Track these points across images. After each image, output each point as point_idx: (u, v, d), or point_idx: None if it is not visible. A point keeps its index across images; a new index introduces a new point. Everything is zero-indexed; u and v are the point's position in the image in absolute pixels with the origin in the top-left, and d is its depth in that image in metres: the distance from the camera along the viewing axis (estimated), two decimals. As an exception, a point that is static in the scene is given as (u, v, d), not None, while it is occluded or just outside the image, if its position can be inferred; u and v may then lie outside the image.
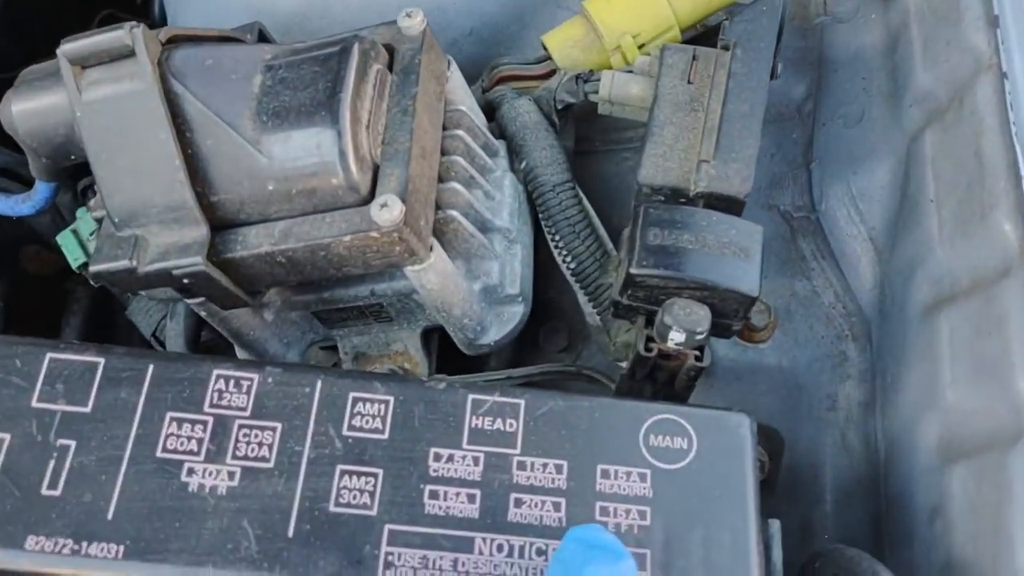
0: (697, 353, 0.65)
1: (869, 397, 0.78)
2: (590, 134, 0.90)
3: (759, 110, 0.68)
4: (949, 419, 0.65)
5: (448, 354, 0.80)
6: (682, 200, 0.68)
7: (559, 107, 0.78)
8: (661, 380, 0.70)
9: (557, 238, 0.76)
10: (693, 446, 0.57)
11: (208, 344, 0.90)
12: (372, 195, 0.62)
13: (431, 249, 0.65)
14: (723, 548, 0.54)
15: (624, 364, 0.72)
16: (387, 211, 0.60)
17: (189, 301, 0.69)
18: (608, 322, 0.78)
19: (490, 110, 0.81)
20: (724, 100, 0.68)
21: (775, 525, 0.63)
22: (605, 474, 0.56)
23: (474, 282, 0.72)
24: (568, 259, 0.76)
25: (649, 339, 0.66)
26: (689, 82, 0.71)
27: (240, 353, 0.76)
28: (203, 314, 0.71)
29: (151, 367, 0.57)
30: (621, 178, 0.88)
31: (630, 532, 0.54)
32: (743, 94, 0.68)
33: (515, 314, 0.75)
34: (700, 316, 0.63)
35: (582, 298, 0.79)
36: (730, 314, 0.65)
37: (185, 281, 0.64)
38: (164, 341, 0.88)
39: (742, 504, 0.55)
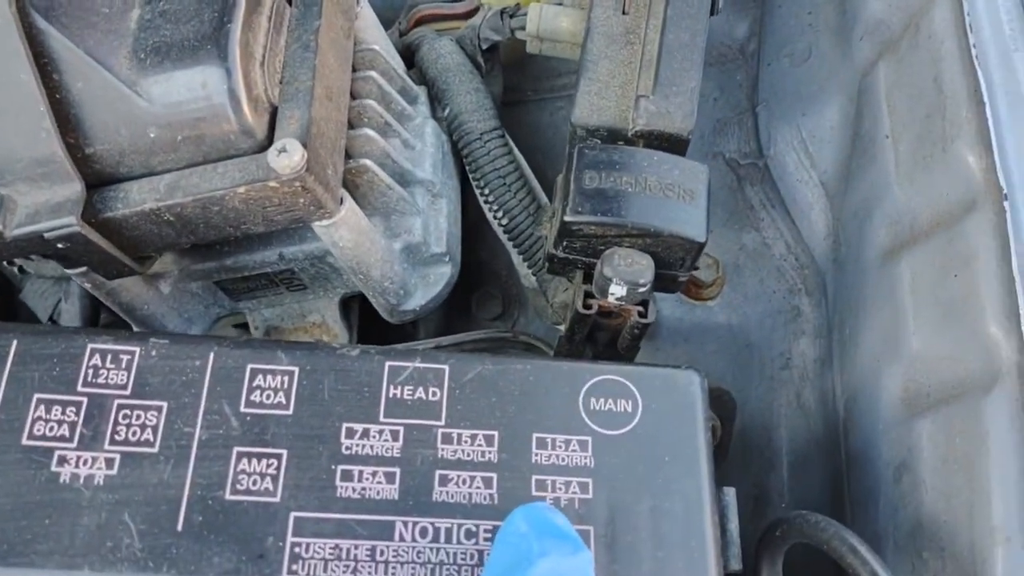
0: (640, 309, 0.59)
1: (825, 353, 0.73)
2: (521, 82, 0.84)
3: (700, 40, 0.62)
4: (914, 369, 0.60)
5: (371, 325, 0.73)
6: (620, 141, 0.62)
7: (484, 47, 0.72)
8: (602, 341, 0.64)
9: (486, 191, 0.70)
10: (638, 408, 0.51)
11: (107, 327, 0.82)
12: (270, 141, 0.54)
13: (341, 202, 0.57)
14: (674, 519, 0.48)
15: (563, 327, 0.66)
16: (286, 157, 0.52)
17: (70, 272, 0.61)
18: (545, 282, 0.72)
19: (409, 54, 0.74)
20: (662, 30, 0.62)
21: (730, 493, 0.58)
22: (541, 444, 0.50)
23: (394, 240, 0.65)
24: (499, 214, 0.70)
25: (588, 295, 0.60)
26: (624, 12, 0.64)
27: (136, 329, 0.69)
28: (88, 287, 0.63)
29: (14, 343, 0.49)
30: (555, 129, 0.82)
31: (571, 507, 0.48)
32: (683, 23, 0.62)
33: (442, 275, 0.68)
34: (642, 266, 0.57)
35: (516, 258, 0.73)
36: (675, 263, 0.59)
37: (60, 246, 0.55)
38: (61, 324, 0.80)
39: (694, 470, 0.50)
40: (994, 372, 0.54)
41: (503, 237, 0.71)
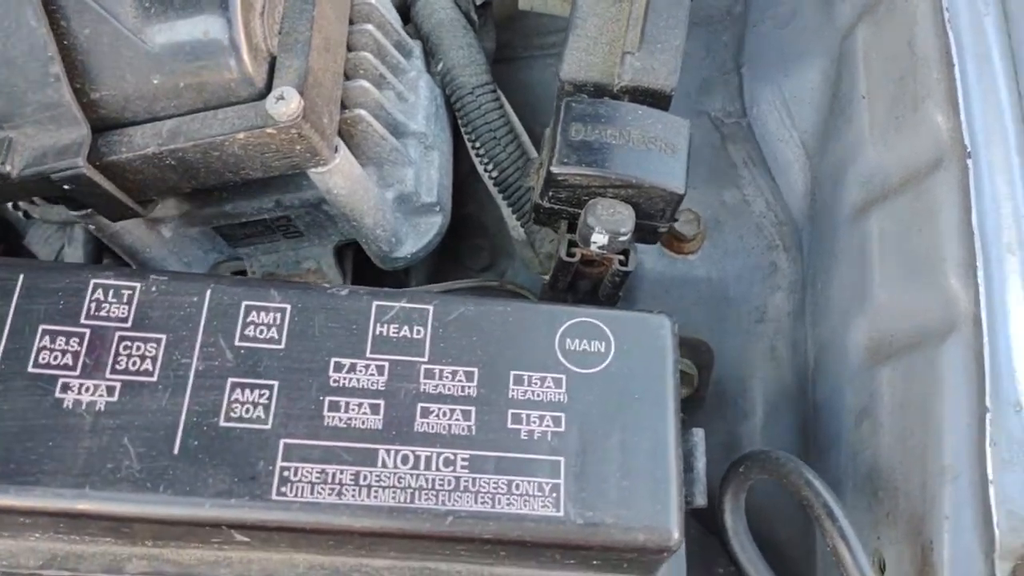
0: (621, 257, 0.62)
1: (799, 307, 0.76)
2: (512, 39, 0.86)
3: (685, -1, 0.64)
4: (879, 319, 0.63)
5: (365, 272, 0.76)
6: (607, 96, 0.64)
7: (478, 3, 0.74)
8: (584, 289, 0.67)
9: (477, 144, 0.72)
10: (611, 349, 0.54)
11: (111, 268, 0.84)
12: (268, 89, 0.57)
13: (336, 150, 0.60)
14: (641, 452, 0.51)
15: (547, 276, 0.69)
16: (284, 104, 0.55)
17: (75, 214, 0.63)
18: (532, 233, 0.75)
19: (406, 9, 0.76)
20: (648, -12, 0.64)
21: (699, 434, 0.61)
22: (518, 380, 0.53)
23: (387, 190, 0.68)
24: (489, 166, 0.72)
25: (571, 243, 0.62)
26: (613, -29, 0.66)
27: (139, 272, 0.71)
28: (92, 229, 0.66)
29: (21, 277, 0.52)
30: (545, 86, 0.84)
31: (543, 439, 0.51)
32: (668, -18, 0.64)
33: (432, 224, 0.71)
34: (624, 216, 0.60)
35: (506, 211, 0.76)
36: (656, 214, 0.62)
37: (66, 188, 0.58)
38: (65, 267, 0.83)
39: (662, 407, 0.53)
40: (951, 321, 0.57)
41: (493, 190, 0.74)
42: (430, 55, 0.73)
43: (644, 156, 0.59)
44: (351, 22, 0.66)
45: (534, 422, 0.52)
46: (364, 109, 0.63)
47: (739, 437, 0.79)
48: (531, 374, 0.53)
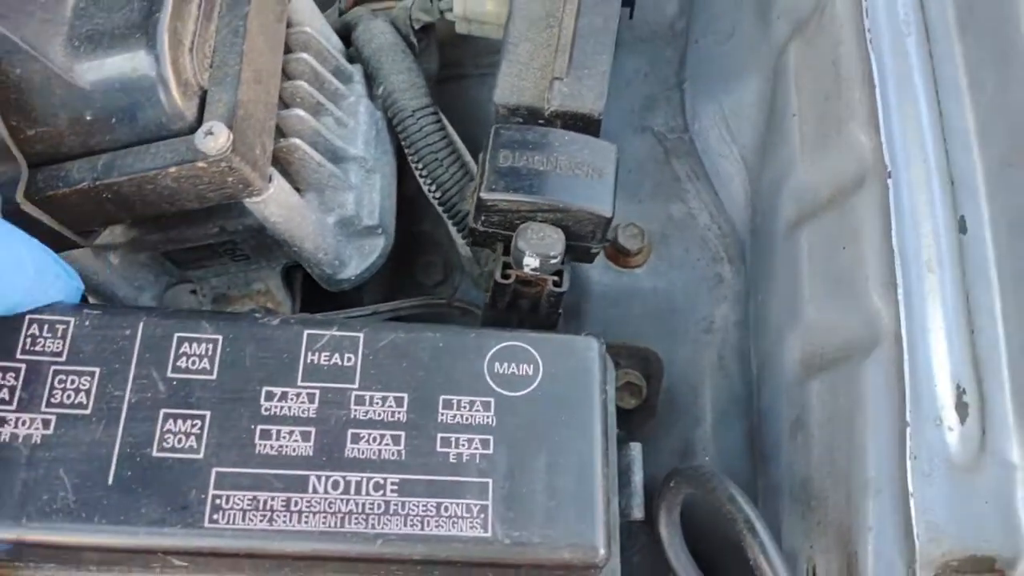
0: (555, 279, 0.63)
1: (744, 317, 0.78)
2: (461, 58, 0.87)
3: (612, 23, 0.65)
4: (810, 334, 0.64)
5: (315, 292, 0.77)
6: (540, 121, 0.65)
7: (416, 27, 0.75)
8: (525, 308, 0.68)
9: (420, 166, 0.73)
10: (539, 372, 0.55)
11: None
12: (199, 123, 0.58)
13: (271, 179, 0.61)
14: (568, 472, 0.53)
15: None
16: (212, 139, 0.56)
17: (20, 245, 0.65)
18: (477, 252, 0.76)
19: (348, 33, 0.77)
20: (577, 14, 0.65)
21: (636, 448, 0.63)
22: (447, 404, 0.54)
23: (328, 214, 0.69)
24: (432, 187, 0.73)
25: (506, 265, 0.64)
26: (544, -4, 0.67)
27: (92, 301, 0.72)
28: (38, 258, 0.66)
29: (-43, 314, 0.53)
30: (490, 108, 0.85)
31: (472, 461, 0.52)
32: (596, 7, 0.65)
33: (376, 246, 0.72)
34: (553, 240, 0.61)
35: (452, 229, 0.77)
36: (586, 236, 0.63)
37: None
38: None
39: (588, 428, 0.54)
40: (874, 338, 0.58)
41: (438, 208, 0.75)
42: (371, 79, 0.74)
43: (571, 181, 0.60)
44: (288, 50, 0.67)
45: (463, 445, 0.53)
46: (300, 137, 0.64)
47: (692, 444, 0.80)
48: (460, 398, 0.54)
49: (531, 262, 0.61)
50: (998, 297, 0.57)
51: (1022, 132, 0.58)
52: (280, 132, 0.65)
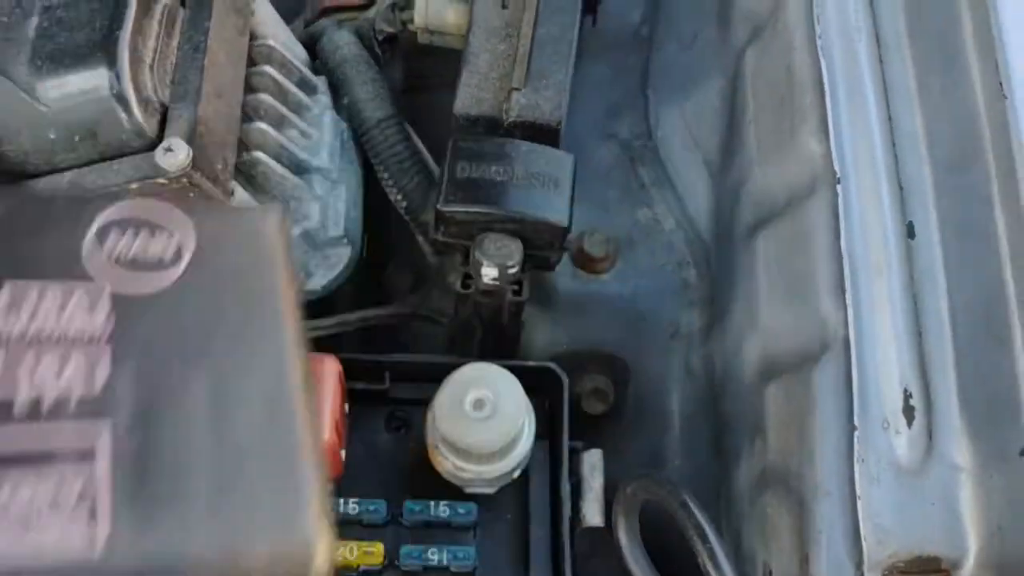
0: (515, 288, 0.65)
1: (709, 322, 0.78)
2: (430, 68, 0.87)
3: (571, 33, 0.66)
4: (766, 339, 0.65)
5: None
6: (499, 131, 0.66)
7: (380, 38, 0.76)
8: (487, 317, 0.69)
9: (386, 176, 0.74)
10: (185, 254, 0.36)
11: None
12: (160, 139, 0.59)
13: (232, 193, 0.62)
14: (246, 402, 0.34)
15: (452, 304, 0.71)
16: (172, 156, 0.57)
17: (-10, 260, 0.66)
18: (444, 261, 0.77)
19: (313, 44, 0.78)
20: (535, 24, 0.66)
21: (596, 454, 0.64)
22: (16, 303, 0.33)
23: (293, 226, 0.70)
24: (398, 196, 0.74)
25: (466, 276, 0.65)
26: (504, 7, 0.68)
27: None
28: (8, 272, 0.68)
29: None
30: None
31: (67, 395, 0.32)
32: (554, 17, 0.66)
33: (342, 256, 0.73)
34: (511, 249, 0.62)
35: (420, 238, 0.78)
36: (544, 246, 0.64)
37: (-28, 239, 0.60)
38: None
39: (273, 332, 0.35)
40: (825, 342, 0.59)
41: (405, 217, 0.76)
42: (336, 90, 0.75)
43: (527, 192, 0.61)
44: (251, 63, 0.68)
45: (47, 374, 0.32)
46: (263, 151, 0.66)
47: (660, 450, 0.81)
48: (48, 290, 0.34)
49: (490, 272, 0.62)
50: (945, 300, 0.58)
51: (968, 137, 0.59)
52: (243, 145, 0.65)
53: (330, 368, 0.57)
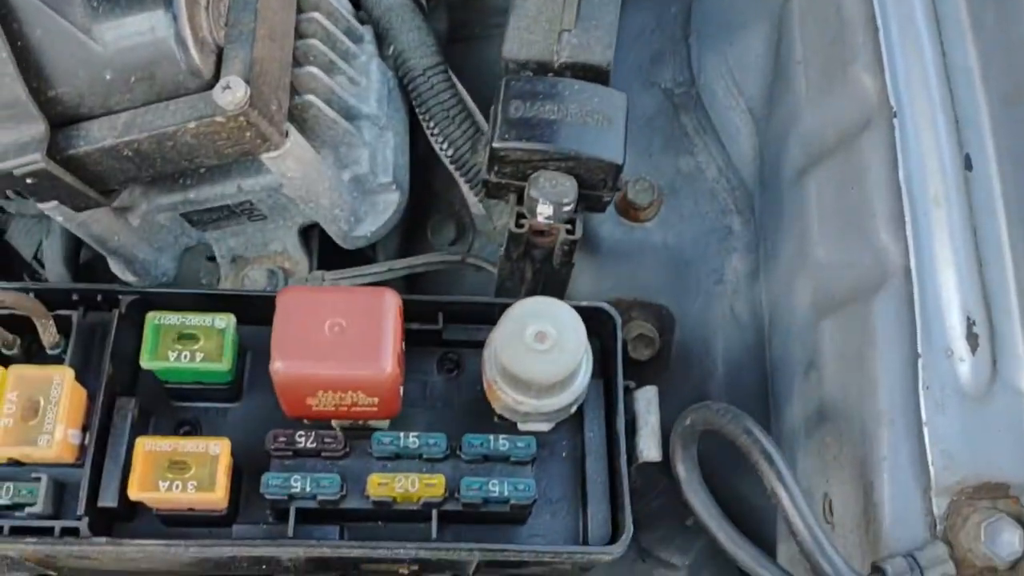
0: (568, 227, 0.65)
1: (754, 267, 0.79)
2: (469, 19, 0.87)
3: (620, -25, 0.66)
4: (819, 276, 0.66)
5: (334, 251, 0.78)
6: (549, 73, 0.66)
7: (424, -14, 0.76)
8: (538, 258, 0.69)
9: (431, 124, 0.74)
10: None
11: (89, 263, 0.87)
12: (216, 79, 0.59)
13: (287, 135, 0.62)
14: None
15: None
16: (230, 93, 0.57)
17: (42, 206, 0.66)
18: (489, 207, 0.77)
19: (357, -5, 0.78)
20: (584, -34, 0.66)
21: (651, 390, 0.64)
22: None
23: (343, 171, 0.70)
24: (444, 145, 0.74)
25: (519, 215, 0.65)
26: (551, -49, 0.68)
27: (111, 263, 0.74)
28: (60, 220, 0.68)
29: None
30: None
31: None
32: (603, -40, 0.66)
33: (390, 203, 0.73)
34: (566, 187, 0.62)
35: (464, 187, 0.78)
36: (598, 184, 0.64)
37: (29, 182, 0.61)
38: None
39: None
40: (883, 274, 0.59)
41: (450, 167, 0.76)
42: (381, 39, 0.75)
43: (582, 129, 0.61)
44: (300, 10, 0.68)
45: None
46: (314, 95, 0.66)
47: (706, 395, 0.81)
48: None
49: (544, 210, 0.62)
50: (1005, 230, 0.58)
51: (1022, 69, 0.59)
52: (294, 90, 0.66)
53: (391, 301, 0.57)
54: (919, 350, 0.56)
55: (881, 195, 0.60)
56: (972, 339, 0.56)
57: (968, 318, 0.56)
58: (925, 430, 0.55)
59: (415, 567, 0.67)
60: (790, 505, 0.53)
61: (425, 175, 0.83)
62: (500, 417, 0.63)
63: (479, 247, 0.85)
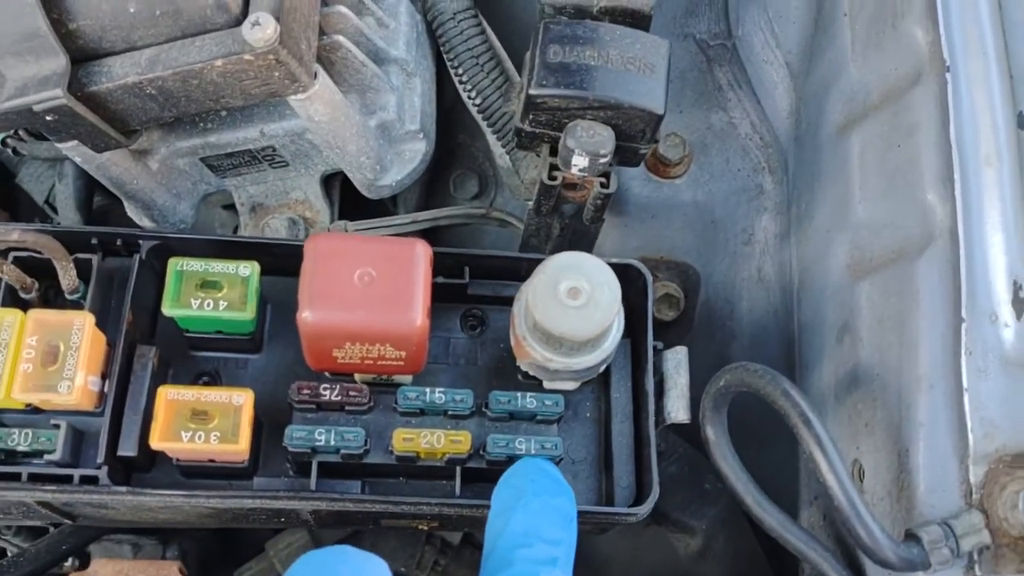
0: (603, 180, 0.63)
1: (785, 228, 0.77)
2: (497, -35, 0.85)
3: (662, -83, 0.63)
4: (859, 236, 0.64)
5: (355, 201, 0.76)
6: (587, 18, 0.64)
7: (455, -73, 0.73)
8: (568, 214, 0.68)
9: (460, 71, 0.72)
10: None
11: (102, 208, 0.85)
12: (244, 15, 0.57)
13: (316, 76, 0.60)
14: None
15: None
16: (260, 30, 0.55)
17: (61, 146, 0.64)
18: (517, 160, 0.75)
19: (385, -65, 0.75)
20: (624, -93, 0.63)
21: (682, 351, 0.63)
22: None
23: (369, 117, 0.68)
24: (472, 93, 0.72)
25: (553, 167, 0.63)
26: None
27: (129, 207, 0.72)
28: (79, 161, 0.66)
29: None
30: (531, 11, 0.83)
31: None
32: (645, -100, 0.63)
33: (416, 152, 0.71)
34: (603, 137, 0.60)
35: (491, 138, 0.76)
36: (636, 135, 0.62)
37: (49, 119, 0.58)
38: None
39: None
40: (928, 234, 0.57)
41: (477, 117, 0.74)
42: (410, -19, 0.72)
43: (623, 77, 0.59)
44: (329, -52, 0.65)
45: None
46: (343, 35, 0.63)
47: (728, 358, 0.80)
48: None
49: (580, 162, 0.61)
50: (1057, 193, 0.56)
51: (1085, 24, 0.57)
52: (322, 30, 0.63)
53: (422, 252, 0.55)
54: (963, 314, 0.54)
55: (930, 153, 0.58)
56: (1019, 304, 0.54)
57: (1015, 282, 0.55)
58: (966, 396, 0.53)
59: (434, 523, 0.66)
60: (828, 470, 0.52)
61: (448, 128, 0.81)
62: (525, 375, 0.62)
63: (501, 203, 0.83)
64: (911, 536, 0.52)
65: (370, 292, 0.54)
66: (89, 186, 0.81)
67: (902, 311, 0.58)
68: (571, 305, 0.55)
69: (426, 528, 0.66)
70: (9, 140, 0.82)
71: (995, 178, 0.56)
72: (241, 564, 0.82)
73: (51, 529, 0.75)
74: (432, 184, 0.82)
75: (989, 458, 0.53)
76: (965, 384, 0.54)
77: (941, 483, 0.54)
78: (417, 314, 0.54)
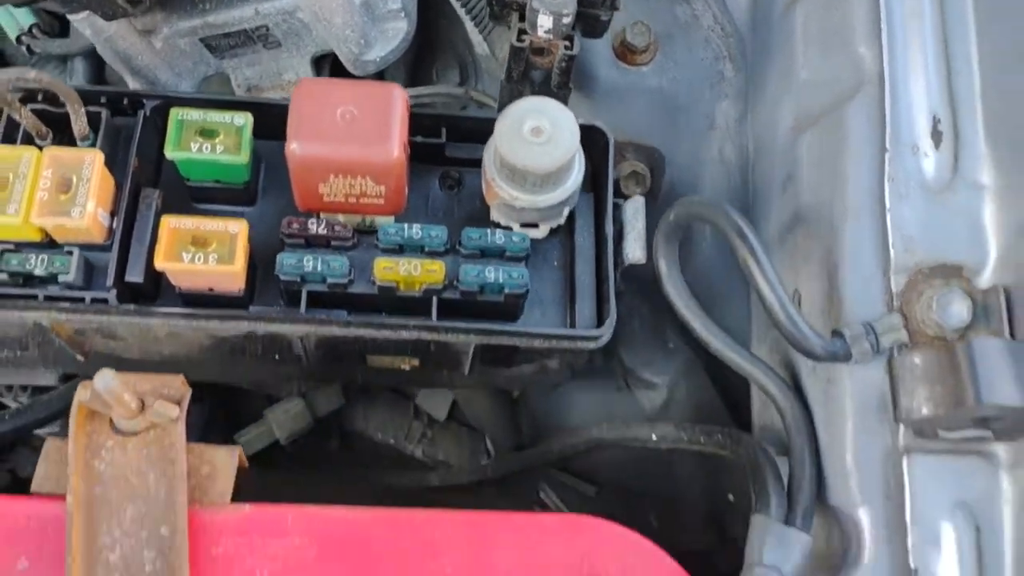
0: (567, 43, 0.69)
1: (743, 112, 0.83)
2: None
3: None
4: (802, 96, 0.70)
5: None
6: None
7: None
8: (537, 80, 0.73)
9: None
10: None
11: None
12: None
13: (305, -50, 0.66)
14: None
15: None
16: None
17: (73, 18, 0.70)
18: (492, 44, 0.81)
19: None
20: None
21: (639, 200, 0.68)
22: None
23: (355, -5, 0.74)
24: (448, -24, 0.78)
25: (521, 32, 0.69)
26: None
27: (131, 82, 0.78)
28: (88, 33, 0.72)
29: None
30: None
31: None
32: None
33: (399, 30, 0.77)
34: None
35: (469, 25, 0.82)
36: (598, 2, 0.68)
37: (60, -15, 0.65)
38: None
39: None
40: (859, 82, 0.63)
41: (454, 3, 0.79)
42: None
43: (583, -56, 0.65)
44: None
45: None
46: (329, -89, 0.69)
47: (692, 230, 0.85)
48: None
49: (545, 22, 0.66)
50: (975, 44, 0.62)
51: None
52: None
53: (398, 94, 0.61)
54: (887, 145, 0.60)
55: (861, 12, 0.64)
56: (937, 136, 0.60)
57: (935, 117, 0.60)
58: (888, 216, 0.59)
59: (415, 362, 0.72)
60: (760, 275, 0.58)
61: (428, 17, 0.87)
62: (496, 225, 0.68)
63: (481, 88, 0.89)
64: (836, 333, 0.58)
65: (352, 127, 0.60)
66: (98, 84, 0.87)
67: (835, 152, 0.64)
68: (534, 141, 0.62)
69: (407, 368, 0.72)
70: (24, 38, 0.88)
71: (918, 29, 0.62)
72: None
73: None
74: (416, 74, 0.88)
75: (909, 270, 0.59)
76: (888, 206, 0.60)
77: (866, 294, 0.59)
78: (394, 146, 0.60)
